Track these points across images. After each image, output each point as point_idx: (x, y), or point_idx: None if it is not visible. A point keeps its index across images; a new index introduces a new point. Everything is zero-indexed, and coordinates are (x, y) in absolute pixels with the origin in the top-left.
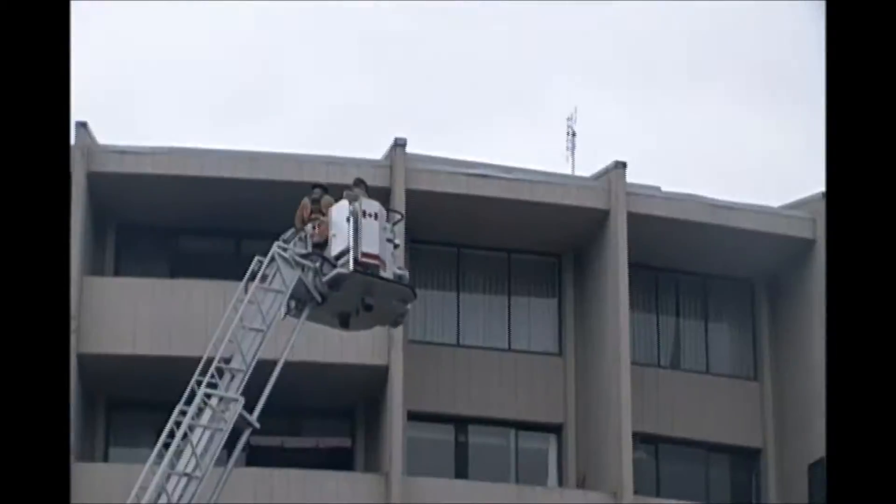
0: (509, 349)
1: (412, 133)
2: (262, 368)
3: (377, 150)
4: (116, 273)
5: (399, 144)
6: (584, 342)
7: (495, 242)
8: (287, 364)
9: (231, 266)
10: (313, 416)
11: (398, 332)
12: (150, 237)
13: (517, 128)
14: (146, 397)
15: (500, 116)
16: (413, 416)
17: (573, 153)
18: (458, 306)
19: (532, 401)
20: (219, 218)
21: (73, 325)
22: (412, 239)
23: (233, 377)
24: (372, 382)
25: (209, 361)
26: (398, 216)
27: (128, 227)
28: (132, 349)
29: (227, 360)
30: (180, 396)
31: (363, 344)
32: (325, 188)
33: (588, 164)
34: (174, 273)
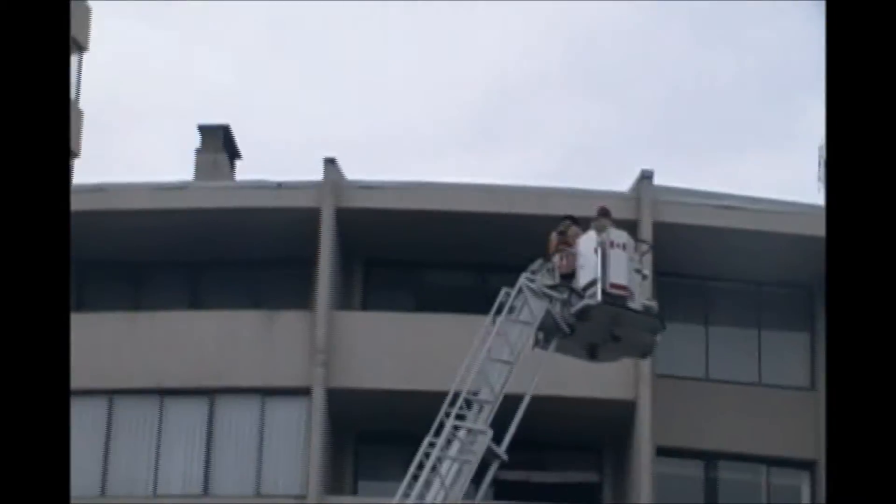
0: (760, 383)
1: (658, 164)
2: (509, 402)
3: (623, 183)
4: (364, 307)
5: (646, 176)
6: None
7: (744, 274)
8: (533, 398)
9: (475, 300)
10: (560, 450)
11: (645, 366)
12: (397, 271)
13: (767, 157)
14: (393, 430)
15: (749, 145)
16: (661, 452)
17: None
18: (707, 339)
19: (784, 436)
20: (463, 252)
21: (321, 358)
22: (659, 272)
23: (481, 409)
24: (619, 417)
25: (457, 394)
26: (646, 246)
27: (375, 262)
28: (380, 383)
29: (475, 393)
30: (427, 430)
31: (610, 378)
32: (574, 219)
33: None
34: (420, 307)
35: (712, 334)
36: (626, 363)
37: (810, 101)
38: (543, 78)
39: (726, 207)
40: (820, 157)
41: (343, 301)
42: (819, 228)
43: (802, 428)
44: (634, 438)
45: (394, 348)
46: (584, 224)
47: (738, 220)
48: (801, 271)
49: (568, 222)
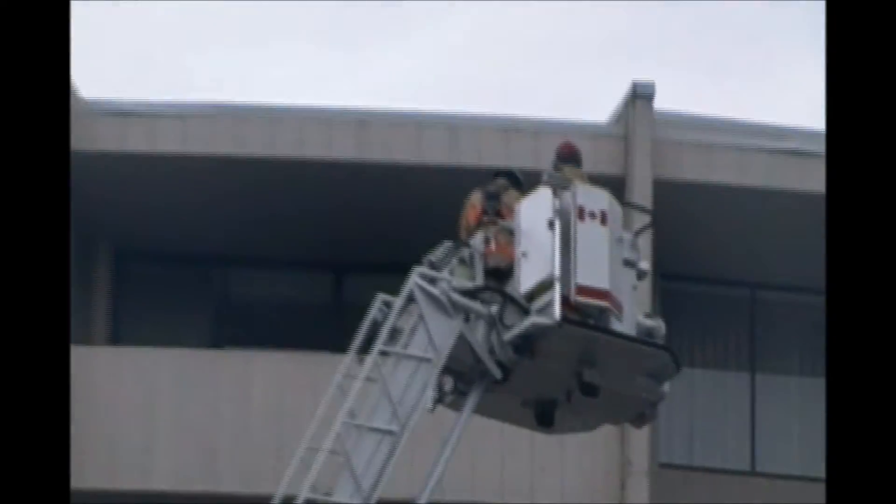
0: None
1: (662, 77)
2: None
3: (601, 108)
4: (115, 340)
5: (641, 95)
6: None
7: (823, 280)
8: None
9: (324, 323)
10: None
11: (641, 451)
12: (176, 273)
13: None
14: None
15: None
16: None
17: None
18: (753, 401)
19: None
20: (304, 237)
21: None
22: (663, 273)
23: None
24: None
25: (290, 499)
26: (645, 217)
27: (134, 256)
28: (144, 481)
29: (326, 494)
30: None
31: (575, 472)
32: (515, 177)
33: None
34: (220, 339)
35: (762, 389)
36: (608, 444)
37: None
38: None
39: (789, 153)
40: None
41: (76, 328)
42: None
43: None
44: None
45: (172, 415)
46: (531, 186)
47: (815, 178)
48: None
49: (503, 181)
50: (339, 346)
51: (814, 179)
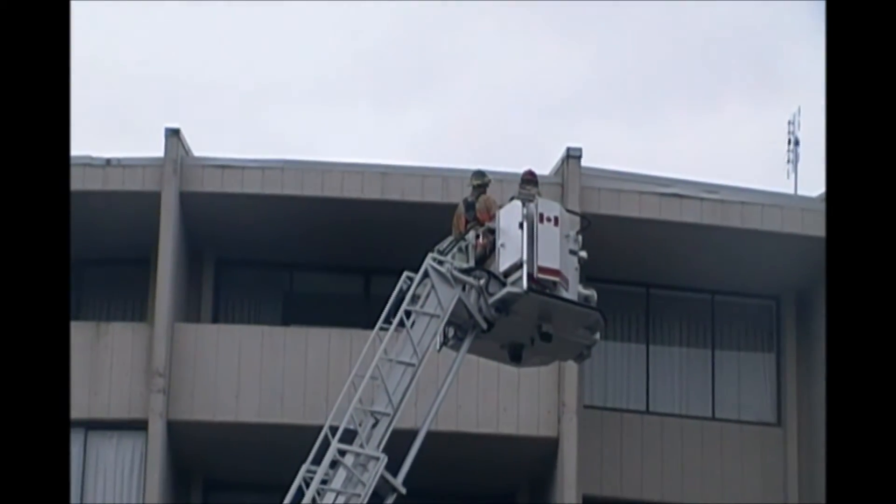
0: (713, 417)
1: (588, 139)
2: (403, 439)
3: (543, 164)
4: (215, 319)
5: (572, 156)
6: (811, 408)
7: (695, 281)
8: (432, 436)
9: (358, 310)
10: (465, 499)
11: (571, 395)
12: (258, 274)
13: (725, 131)
14: (252, 476)
15: (706, 113)
16: (590, 502)
17: (796, 167)
18: (648, 363)
19: (744, 483)
20: (344, 250)
21: (161, 383)
22: (589, 276)
23: (375, 423)
24: (538, 459)
25: (335, 427)
26: (584, 222)
27: (230, 262)
28: (235, 415)
29: (370, 414)
30: (293, 473)
31: (526, 410)
32: (482, 179)
33: (816, 181)
34: (288, 319)
35: (655, 356)
36: (549, 390)
37: (788, 60)
38: (442, 29)
39: (673, 196)
40: (791, 134)
41: (189, 311)
42: (788, 224)
43: (767, 473)
44: (556, 485)
45: (254, 371)
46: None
47: (689, 213)
48: (766, 278)
49: (474, 191)
50: (367, 325)
51: (688, 214)
